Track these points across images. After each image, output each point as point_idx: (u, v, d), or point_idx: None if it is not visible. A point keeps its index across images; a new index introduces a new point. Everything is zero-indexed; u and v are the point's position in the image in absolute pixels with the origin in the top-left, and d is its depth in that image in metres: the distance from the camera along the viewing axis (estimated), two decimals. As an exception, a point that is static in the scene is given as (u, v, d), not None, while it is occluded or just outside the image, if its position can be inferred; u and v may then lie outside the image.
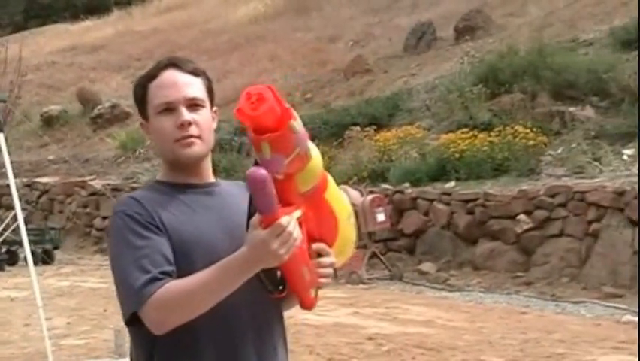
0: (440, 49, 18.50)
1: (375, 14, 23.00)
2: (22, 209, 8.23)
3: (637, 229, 10.22)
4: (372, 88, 17.82)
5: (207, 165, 2.28)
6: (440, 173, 12.97)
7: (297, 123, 1.89)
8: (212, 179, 2.29)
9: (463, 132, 13.29)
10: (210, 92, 2.31)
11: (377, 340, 8.24)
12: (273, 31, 24.18)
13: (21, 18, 37.76)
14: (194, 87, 2.23)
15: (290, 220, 1.86)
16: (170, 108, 2.18)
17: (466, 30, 18.18)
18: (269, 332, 2.17)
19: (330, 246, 2.14)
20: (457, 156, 12.84)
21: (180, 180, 2.22)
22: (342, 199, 2.16)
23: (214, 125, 2.30)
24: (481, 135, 13.00)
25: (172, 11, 30.81)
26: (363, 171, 13.74)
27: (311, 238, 2.06)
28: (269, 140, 1.87)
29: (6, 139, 7.68)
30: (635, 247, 10.21)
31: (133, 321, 2.03)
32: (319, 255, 2.11)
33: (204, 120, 2.21)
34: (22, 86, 19.13)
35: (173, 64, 2.26)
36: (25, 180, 18.34)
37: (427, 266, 12.32)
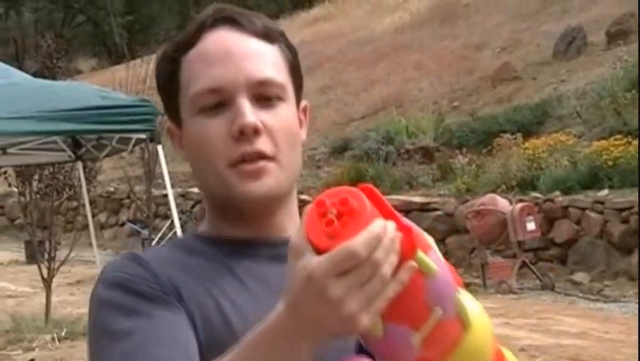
0: (591, 54, 18.05)
1: (524, 20, 22.64)
2: (178, 218, 8.52)
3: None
4: (520, 95, 17.55)
5: (288, 210, 1.33)
6: (592, 181, 12.65)
7: (432, 256, 1.05)
8: (289, 232, 1.25)
9: (615, 139, 12.92)
10: (296, 73, 1.34)
11: (530, 351, 8.11)
12: (418, 39, 24.15)
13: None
14: (267, 61, 1.29)
15: (376, 235, 1.00)
16: (220, 102, 1.26)
17: (618, 34, 17.68)
18: None
19: None
20: (610, 163, 12.49)
21: (234, 233, 1.31)
22: None
23: (303, 134, 1.36)
24: (635, 142, 12.60)
25: (319, 23, 31.21)
26: (512, 180, 13.54)
27: None
28: None
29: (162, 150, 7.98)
30: None
31: None
32: None
33: (284, 126, 1.28)
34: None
35: (227, 18, 1.32)
36: (179, 190, 18.94)
37: (579, 276, 12.03)
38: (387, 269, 0.98)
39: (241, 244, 1.29)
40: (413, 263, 1.00)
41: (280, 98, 1.28)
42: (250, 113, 1.23)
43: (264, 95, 1.26)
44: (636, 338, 8.60)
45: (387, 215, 1.01)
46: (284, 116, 1.27)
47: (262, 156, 1.24)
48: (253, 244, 1.29)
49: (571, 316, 10.04)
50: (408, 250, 1.00)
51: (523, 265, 12.07)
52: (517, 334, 9.02)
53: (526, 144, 14.19)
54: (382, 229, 0.99)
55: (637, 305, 10.70)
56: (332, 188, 1.04)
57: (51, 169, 11.23)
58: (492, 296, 11.44)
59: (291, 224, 1.31)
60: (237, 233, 1.30)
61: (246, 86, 1.25)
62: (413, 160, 15.93)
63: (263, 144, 1.24)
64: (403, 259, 0.99)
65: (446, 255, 10.96)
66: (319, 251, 0.98)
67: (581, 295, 11.49)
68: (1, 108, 6.80)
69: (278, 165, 1.26)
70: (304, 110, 1.36)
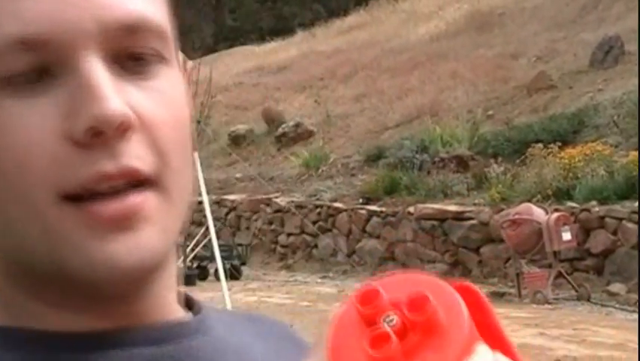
0: (628, 63, 17.89)
1: (560, 29, 22.50)
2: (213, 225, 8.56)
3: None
4: (556, 104, 17.43)
5: (169, 276, 0.72)
6: (629, 191, 12.52)
7: None
8: (178, 312, 0.74)
9: (653, 149, 12.80)
10: (173, 11, 0.75)
11: (565, 362, 8.05)
12: (454, 48, 24.08)
13: (211, 41, 39.30)
14: None
15: None
16: (43, 67, 0.65)
17: (656, 43, 17.52)
18: None
19: None
20: (648, 173, 12.37)
21: (66, 324, 0.68)
22: None
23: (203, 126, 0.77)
24: (673, 152, 12.47)
25: (354, 31, 31.21)
26: (548, 189, 13.44)
27: None
28: None
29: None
30: None
31: None
32: None
33: (174, 114, 0.69)
34: (212, 107, 19.91)
35: None
36: (214, 197, 19.02)
37: (616, 287, 11.91)
38: None
39: (84, 345, 0.67)
40: None
41: (161, 58, 0.69)
42: (111, 92, 0.64)
43: (131, 53, 0.67)
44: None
45: (494, 338, 0.59)
46: (171, 94, 0.68)
47: (136, 178, 0.65)
48: (107, 342, 0.68)
49: (607, 327, 9.94)
50: None
51: (559, 275, 11.98)
52: (553, 345, 8.95)
53: (562, 154, 14.09)
54: None
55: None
56: (394, 273, 0.60)
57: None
58: (527, 306, 11.35)
59: (168, 299, 0.73)
60: (74, 324, 0.68)
61: (98, 34, 0.65)
62: (448, 169, 15.87)
63: (136, 155, 0.65)
64: None
65: (481, 264, 10.94)
66: None
67: (617, 306, 11.38)
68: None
69: (163, 195, 0.67)
70: (188, 74, 0.77)
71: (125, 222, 0.65)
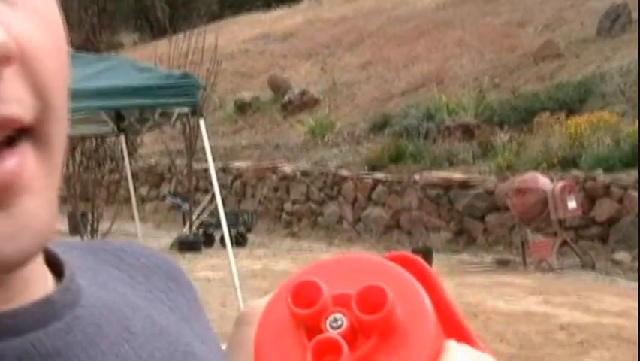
0: (636, 32, 17.79)
1: (568, -4, 22.38)
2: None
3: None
4: (562, 73, 17.38)
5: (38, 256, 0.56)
6: (635, 160, 12.51)
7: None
8: (46, 283, 0.59)
9: (660, 117, 12.77)
10: None
11: (569, 329, 8.09)
12: (460, 16, 23.96)
13: (217, 8, 39.12)
14: None
15: None
16: None
17: (664, 11, 17.42)
18: None
19: None
20: (654, 142, 12.36)
21: None
22: None
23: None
24: (679, 120, 12.45)
25: (360, -2, 31.08)
26: (554, 158, 13.44)
27: None
28: None
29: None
30: None
31: None
32: None
33: (54, 40, 0.53)
34: (218, 74, 19.87)
35: None
36: (219, 164, 19.04)
37: (621, 255, 11.94)
38: None
39: None
40: None
41: None
42: None
43: None
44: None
45: (447, 321, 0.47)
46: (45, 10, 0.53)
47: (12, 129, 0.51)
48: None
49: (611, 295, 9.98)
50: None
51: (564, 243, 12.00)
52: (557, 312, 8.99)
53: (568, 122, 14.07)
54: None
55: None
56: (333, 257, 0.50)
57: (93, 142, 11.35)
58: (532, 274, 11.40)
59: (35, 273, 0.58)
60: None
61: None
62: (453, 137, 15.86)
63: (15, 98, 0.51)
64: None
65: (486, 232, 10.95)
66: None
67: (621, 274, 11.42)
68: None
69: (43, 150, 0.53)
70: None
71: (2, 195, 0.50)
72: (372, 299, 0.43)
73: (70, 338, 0.56)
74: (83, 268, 0.63)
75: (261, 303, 0.46)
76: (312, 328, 0.43)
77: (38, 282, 0.58)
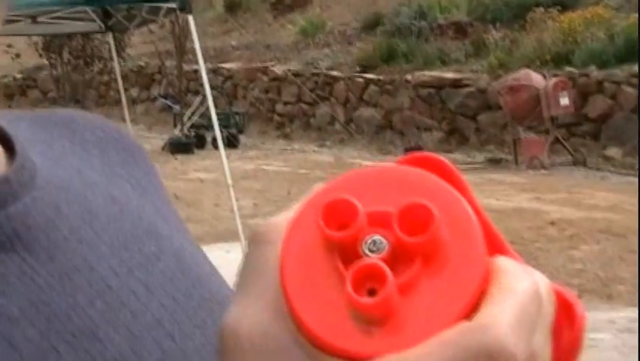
0: None
1: None
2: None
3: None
4: (557, -33, 17.11)
5: None
6: (629, 54, 12.43)
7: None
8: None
9: (654, 12, 12.64)
10: None
11: (560, 225, 8.16)
12: None
13: None
14: None
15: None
16: None
17: None
18: None
19: None
20: (648, 37, 12.26)
21: None
22: None
23: None
24: (674, 15, 12.32)
25: None
26: (547, 54, 13.34)
27: None
28: None
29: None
30: None
31: None
32: None
33: None
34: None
35: None
36: (210, 65, 18.88)
37: (612, 151, 11.97)
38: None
39: None
40: None
41: None
42: None
43: None
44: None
45: (490, 240, 0.41)
46: None
47: None
48: None
49: (602, 190, 10.05)
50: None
51: (556, 140, 12.02)
52: (548, 208, 9.07)
53: (562, 18, 13.92)
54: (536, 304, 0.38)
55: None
56: (362, 168, 0.42)
57: (80, 41, 11.19)
58: (523, 172, 11.44)
59: None
60: None
61: None
62: (446, 36, 15.71)
63: None
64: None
65: (478, 131, 10.93)
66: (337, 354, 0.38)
67: (613, 170, 11.47)
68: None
69: None
70: None
71: None
72: (416, 218, 0.38)
73: (30, 220, 0.51)
74: (33, 142, 0.58)
75: (280, 220, 0.40)
76: (348, 252, 0.38)
77: None
